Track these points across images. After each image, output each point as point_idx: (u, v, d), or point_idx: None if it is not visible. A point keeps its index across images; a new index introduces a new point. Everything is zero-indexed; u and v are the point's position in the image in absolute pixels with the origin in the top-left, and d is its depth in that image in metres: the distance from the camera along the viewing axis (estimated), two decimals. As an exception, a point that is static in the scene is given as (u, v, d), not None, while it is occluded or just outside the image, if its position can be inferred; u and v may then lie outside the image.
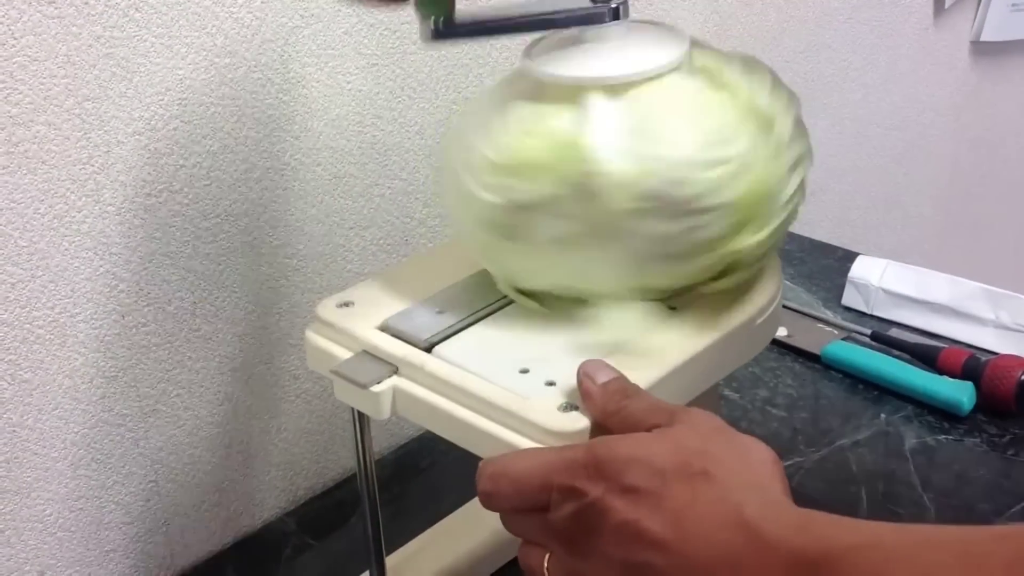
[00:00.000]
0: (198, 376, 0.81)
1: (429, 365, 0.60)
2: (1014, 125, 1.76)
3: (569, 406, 0.56)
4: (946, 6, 1.50)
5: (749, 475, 0.50)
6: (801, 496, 0.84)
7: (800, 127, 0.64)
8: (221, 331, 0.81)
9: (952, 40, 1.56)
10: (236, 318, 0.82)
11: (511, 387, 0.58)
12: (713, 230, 0.60)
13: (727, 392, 0.98)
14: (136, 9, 0.70)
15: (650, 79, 0.60)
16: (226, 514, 0.86)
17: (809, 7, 1.30)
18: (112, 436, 0.77)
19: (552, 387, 0.58)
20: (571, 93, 0.60)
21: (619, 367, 0.57)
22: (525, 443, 0.56)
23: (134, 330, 0.76)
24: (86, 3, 0.68)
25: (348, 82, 0.83)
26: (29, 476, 0.74)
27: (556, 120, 0.59)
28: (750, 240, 0.61)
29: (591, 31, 0.62)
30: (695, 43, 0.64)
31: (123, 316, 0.75)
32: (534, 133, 0.59)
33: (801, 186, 0.64)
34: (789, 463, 0.89)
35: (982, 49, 1.62)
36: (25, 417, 0.72)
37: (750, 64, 0.64)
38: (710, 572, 0.47)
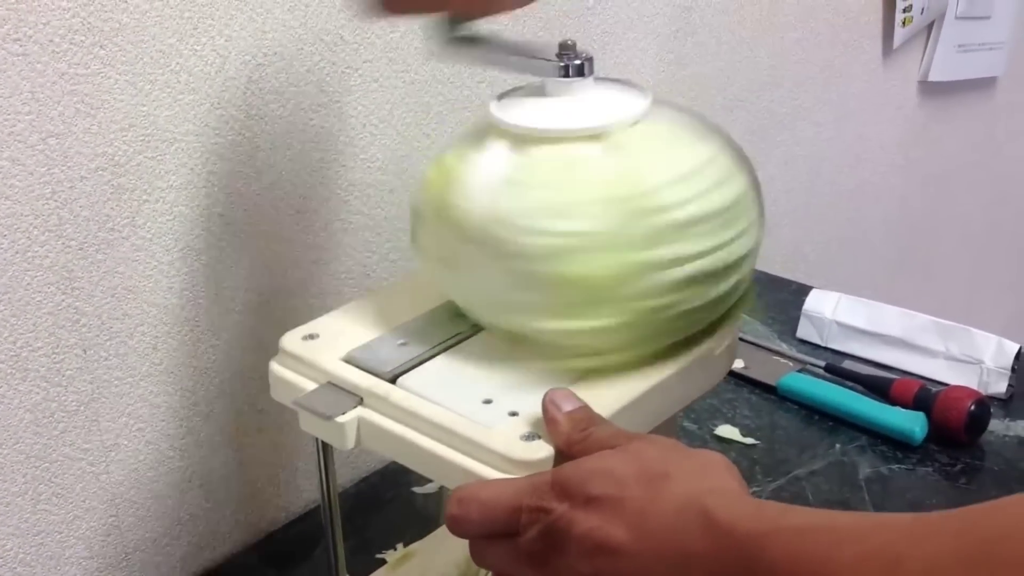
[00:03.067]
0: (159, 410, 0.81)
1: (393, 396, 0.60)
2: (961, 162, 1.80)
3: (532, 435, 0.57)
4: (894, 47, 1.54)
5: (707, 474, 0.51)
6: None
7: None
8: (183, 365, 0.81)
9: (900, 80, 1.60)
10: (198, 352, 0.82)
11: (474, 417, 0.58)
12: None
13: (685, 423, 0.99)
14: (100, 47, 0.71)
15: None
16: (187, 548, 0.86)
17: (761, 47, 1.33)
18: (73, 470, 0.77)
19: (515, 417, 0.59)
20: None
21: (581, 396, 0.58)
22: (488, 472, 0.56)
23: (96, 364, 0.76)
24: (51, 40, 0.68)
25: (311, 119, 0.84)
26: (-11, 511, 0.73)
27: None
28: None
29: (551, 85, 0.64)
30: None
31: (85, 351, 0.75)
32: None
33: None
34: (746, 493, 0.91)
35: (929, 89, 1.66)
36: (-14, 452, 0.72)
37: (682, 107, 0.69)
38: (667, 563, 0.48)
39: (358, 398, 0.61)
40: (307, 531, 0.90)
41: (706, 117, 0.67)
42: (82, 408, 0.76)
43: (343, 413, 0.60)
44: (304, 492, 0.93)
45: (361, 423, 0.61)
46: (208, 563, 0.88)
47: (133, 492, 0.81)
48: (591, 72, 0.64)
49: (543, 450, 0.56)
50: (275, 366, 0.65)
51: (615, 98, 0.65)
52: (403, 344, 0.64)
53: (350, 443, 0.61)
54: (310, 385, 0.63)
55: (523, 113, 0.63)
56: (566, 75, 0.63)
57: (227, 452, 0.87)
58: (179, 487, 0.84)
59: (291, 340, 0.65)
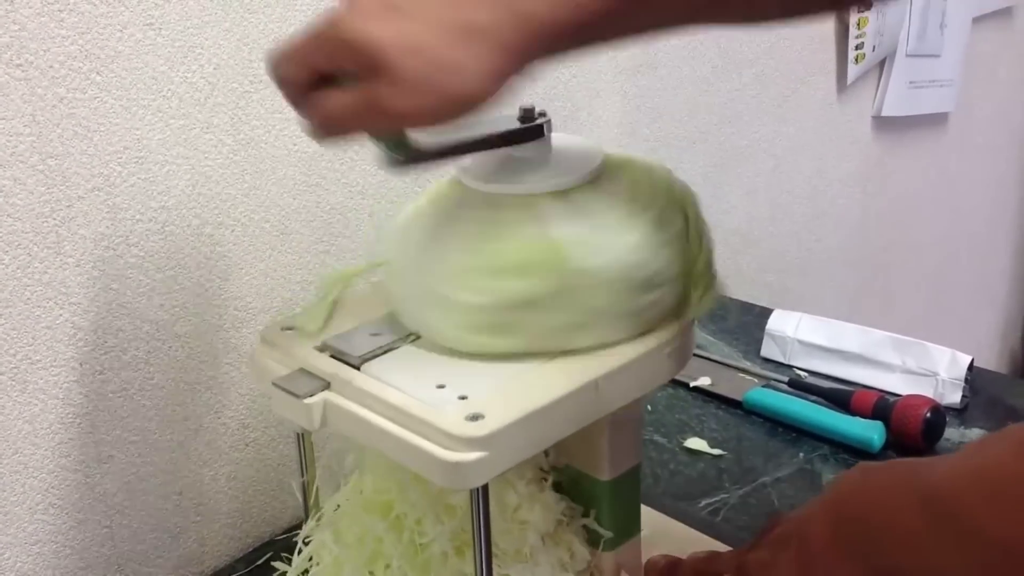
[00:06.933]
0: (151, 424, 0.84)
1: (356, 380, 0.65)
2: (916, 194, 1.86)
3: (476, 416, 0.61)
4: (848, 83, 1.60)
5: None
6: (727, 530, 0.89)
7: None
8: (174, 380, 0.85)
9: (855, 115, 1.66)
10: (188, 367, 0.85)
11: (427, 400, 0.63)
12: (670, 299, 0.69)
13: (656, 437, 1.03)
14: (97, 73, 0.75)
15: (586, 183, 0.68)
16: (177, 560, 0.88)
17: (721, 82, 1.39)
18: (69, 481, 0.80)
19: (463, 400, 0.62)
20: (525, 203, 0.67)
21: (518, 388, 0.63)
22: (435, 449, 0.60)
23: (91, 378, 0.79)
24: (51, 66, 0.72)
25: (294, 144, 0.88)
26: (-12, 520, 0.76)
27: (529, 225, 0.66)
28: (701, 304, 0.70)
29: (517, 150, 0.70)
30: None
31: (81, 364, 0.79)
32: (513, 237, 0.65)
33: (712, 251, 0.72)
34: (716, 499, 0.94)
35: (883, 123, 1.72)
36: (-14, 461, 0.75)
37: (650, 164, 0.72)
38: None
39: (326, 382, 0.66)
40: (293, 545, 0.92)
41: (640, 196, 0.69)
42: (78, 420, 0.79)
43: (311, 395, 0.65)
44: (290, 507, 0.95)
45: (327, 405, 0.65)
46: (198, 575, 0.90)
47: (127, 504, 0.84)
48: (549, 132, 0.70)
49: (484, 428, 0.60)
50: (255, 354, 0.70)
51: (553, 167, 0.70)
52: (373, 335, 0.69)
53: (316, 423, 0.65)
54: (285, 371, 0.68)
55: (474, 166, 0.70)
56: (528, 138, 0.69)
57: (215, 466, 0.90)
58: (170, 500, 0.87)
59: (271, 330, 0.71)
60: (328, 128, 0.61)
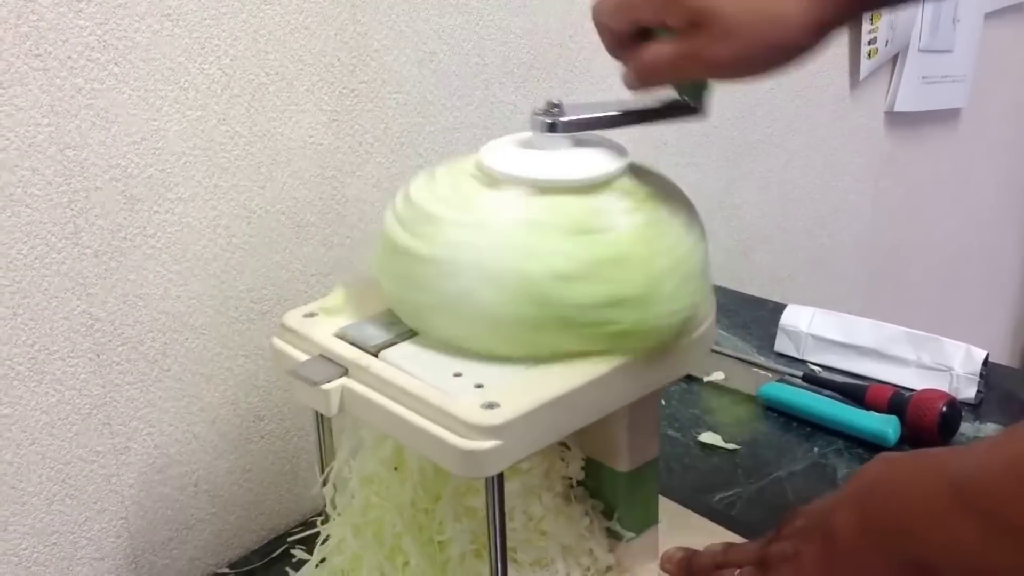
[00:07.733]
0: (167, 415, 0.84)
1: (374, 367, 0.65)
2: (928, 190, 1.86)
3: (491, 404, 0.61)
4: (861, 78, 1.60)
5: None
6: (741, 523, 0.89)
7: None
8: (190, 371, 0.85)
9: (868, 110, 1.66)
10: (204, 359, 0.85)
11: (443, 387, 0.63)
12: None
13: (670, 431, 1.03)
14: (115, 64, 0.75)
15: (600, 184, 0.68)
16: (193, 551, 0.89)
17: (734, 77, 1.38)
18: (85, 472, 0.80)
19: (480, 388, 0.63)
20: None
21: (535, 380, 0.63)
22: (450, 437, 0.60)
23: (108, 368, 0.79)
24: (69, 57, 0.72)
25: (310, 136, 0.88)
26: (6, 511, 0.76)
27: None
28: None
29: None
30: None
31: (98, 355, 0.79)
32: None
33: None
34: (730, 493, 0.94)
35: (896, 119, 1.72)
36: (3, 452, 0.75)
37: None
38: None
39: (344, 369, 0.66)
40: (308, 537, 0.92)
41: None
42: (95, 411, 0.79)
43: (329, 382, 0.65)
44: (306, 500, 0.95)
45: (344, 391, 0.66)
46: (212, 567, 0.90)
47: (143, 495, 0.84)
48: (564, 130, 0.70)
49: (499, 417, 0.60)
50: (276, 340, 0.70)
51: (566, 160, 0.70)
52: (391, 323, 0.69)
53: (334, 409, 0.66)
54: (304, 357, 0.68)
55: (488, 152, 0.70)
56: (550, 131, 0.70)
57: (231, 458, 0.90)
58: (186, 491, 0.87)
59: (292, 317, 0.71)
60: (647, 77, 0.67)
